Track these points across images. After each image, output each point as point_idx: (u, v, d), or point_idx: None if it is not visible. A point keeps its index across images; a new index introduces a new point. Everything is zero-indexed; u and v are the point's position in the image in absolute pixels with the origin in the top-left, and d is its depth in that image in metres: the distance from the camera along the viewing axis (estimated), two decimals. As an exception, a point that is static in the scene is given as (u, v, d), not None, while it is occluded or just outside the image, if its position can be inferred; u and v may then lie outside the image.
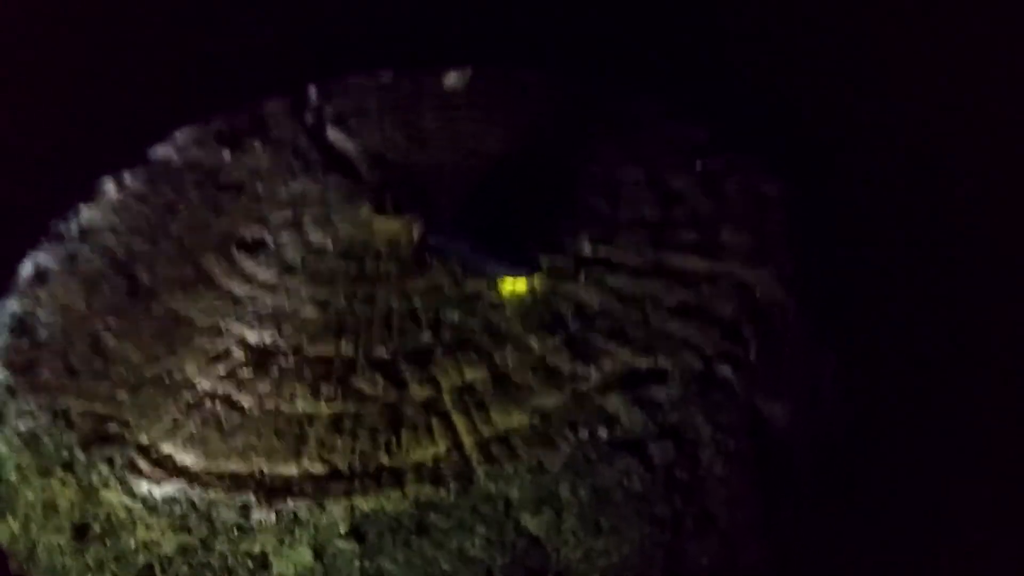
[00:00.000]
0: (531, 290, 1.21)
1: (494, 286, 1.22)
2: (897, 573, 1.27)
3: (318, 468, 1.05)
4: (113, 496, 1.07)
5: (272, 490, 1.03)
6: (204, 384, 1.16)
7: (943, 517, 1.27)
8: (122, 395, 1.17)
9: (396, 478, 1.02)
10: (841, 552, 1.20)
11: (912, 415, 1.32)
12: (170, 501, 1.05)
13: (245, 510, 1.02)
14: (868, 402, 1.22)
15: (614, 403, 1.07)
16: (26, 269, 1.40)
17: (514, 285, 1.21)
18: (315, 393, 1.12)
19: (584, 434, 1.04)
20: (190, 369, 1.18)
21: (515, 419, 1.06)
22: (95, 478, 1.09)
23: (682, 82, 1.72)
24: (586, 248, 1.27)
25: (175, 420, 1.12)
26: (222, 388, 1.15)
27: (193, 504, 1.04)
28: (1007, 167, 1.66)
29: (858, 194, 1.60)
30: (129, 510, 1.06)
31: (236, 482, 1.05)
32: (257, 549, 1.02)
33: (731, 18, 2.10)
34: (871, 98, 1.86)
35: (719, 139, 1.46)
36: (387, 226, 1.33)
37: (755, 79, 1.91)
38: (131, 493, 1.07)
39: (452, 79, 1.65)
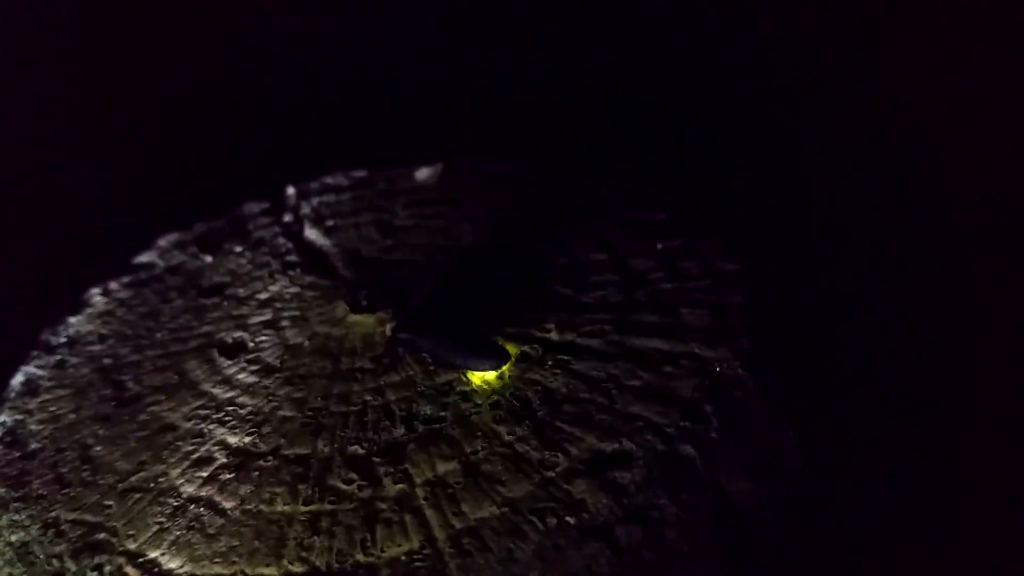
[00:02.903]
0: (500, 379, 1.26)
1: (465, 378, 1.26)
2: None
3: (297, 568, 1.08)
4: (102, 605, 1.11)
5: (254, 592, 1.07)
6: (188, 489, 1.20)
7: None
8: (110, 503, 1.21)
9: (372, 575, 1.06)
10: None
11: (874, 488, 1.35)
12: (156, 607, 1.08)
13: (228, 613, 1.06)
14: (830, 476, 1.25)
15: (581, 488, 1.11)
16: (16, 380, 1.45)
17: (484, 375, 1.26)
18: (294, 493, 1.16)
19: (552, 522, 1.08)
20: (174, 474, 1.23)
21: (486, 510, 1.10)
22: (84, 587, 1.13)
23: (642, 164, 1.78)
24: (553, 334, 1.31)
25: (161, 525, 1.16)
26: (205, 492, 1.19)
27: (178, 609, 1.07)
28: (969, 244, 1.71)
29: (817, 271, 1.65)
30: (117, 618, 1.10)
31: (219, 585, 1.08)
32: (241, 651, 1.05)
33: (687, 102, 2.18)
34: (831, 179, 1.92)
35: (679, 221, 1.51)
36: (361, 323, 1.38)
37: (716, 160, 1.98)
38: (119, 601, 1.10)
39: (423, 174, 1.72)
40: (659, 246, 1.45)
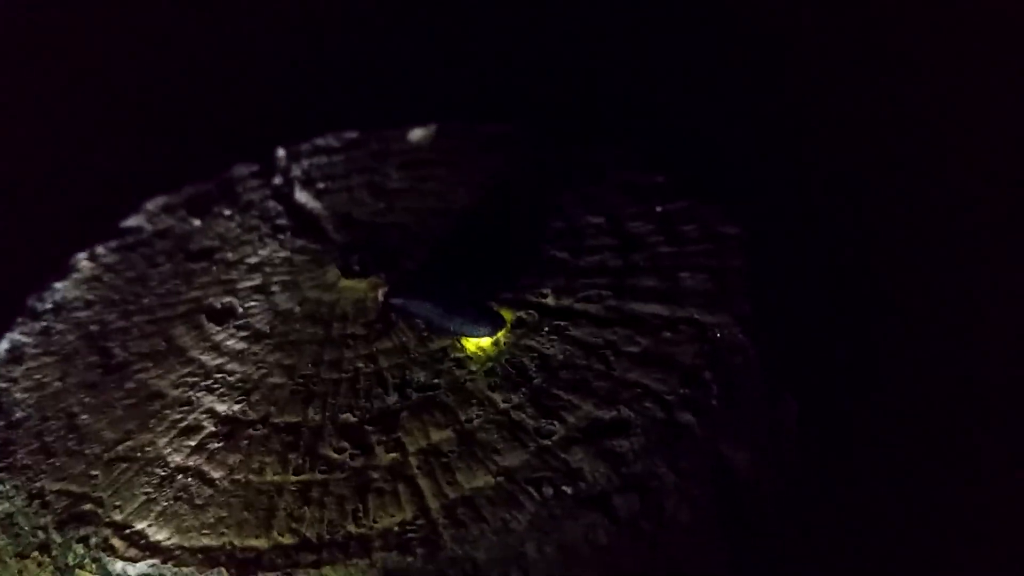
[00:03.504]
0: (495, 346, 1.23)
1: (459, 344, 1.23)
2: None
3: (288, 539, 1.06)
4: (88, 576, 1.09)
5: (243, 563, 1.04)
6: (175, 458, 1.18)
7: (907, 558, 1.28)
8: (96, 473, 1.19)
9: (364, 546, 1.03)
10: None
11: (873, 457, 1.33)
12: (144, 579, 1.06)
13: (217, 585, 1.03)
14: (830, 445, 1.23)
15: (578, 457, 1.08)
16: (1, 347, 1.42)
17: (479, 342, 1.23)
18: (284, 463, 1.14)
19: (548, 491, 1.05)
20: (162, 443, 1.20)
21: (480, 479, 1.08)
22: (71, 558, 1.10)
23: (642, 129, 1.75)
24: (550, 299, 1.28)
25: (148, 496, 1.14)
26: (193, 461, 1.17)
27: (166, 581, 1.05)
28: (972, 210, 1.68)
29: (820, 236, 1.62)
30: (104, 590, 1.08)
31: (208, 557, 1.06)
32: (230, 623, 1.03)
33: (689, 66, 2.14)
34: (833, 142, 1.89)
35: (678, 184, 1.47)
36: (353, 288, 1.35)
37: (715, 124, 1.94)
38: (106, 572, 1.08)
39: (417, 136, 1.68)
40: (658, 209, 1.42)
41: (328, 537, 1.05)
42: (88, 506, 1.14)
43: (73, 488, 1.17)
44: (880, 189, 1.72)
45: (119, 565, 1.07)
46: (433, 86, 2.08)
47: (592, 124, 1.67)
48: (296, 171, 1.64)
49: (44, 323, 1.44)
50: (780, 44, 2.12)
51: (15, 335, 1.42)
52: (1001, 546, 1.29)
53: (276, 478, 1.12)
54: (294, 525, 1.06)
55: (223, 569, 1.04)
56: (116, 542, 1.09)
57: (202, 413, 1.22)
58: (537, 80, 2.10)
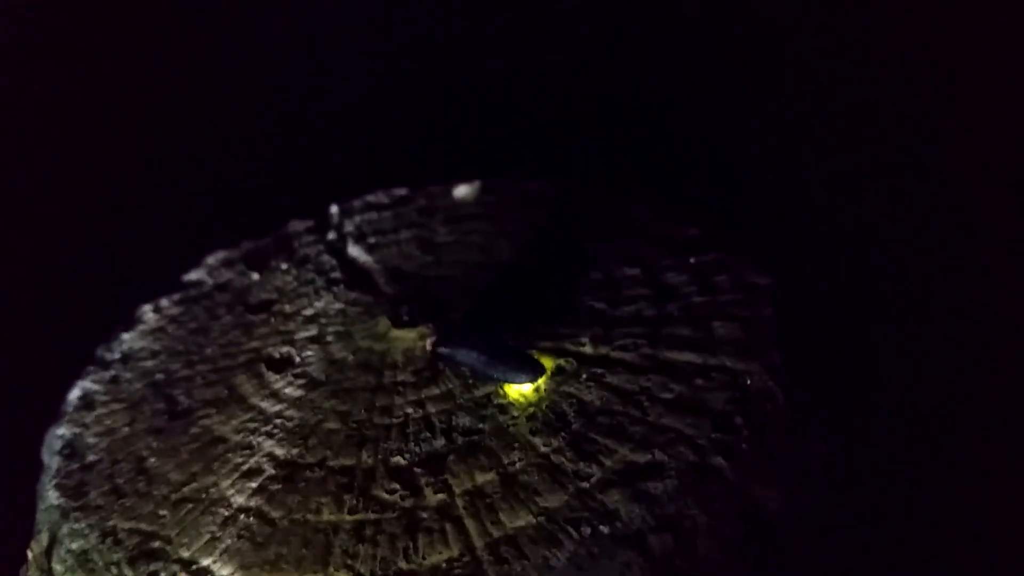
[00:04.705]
0: (536, 392, 1.30)
1: (502, 390, 1.31)
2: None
3: (343, 574, 1.13)
4: (158, 609, 1.17)
5: (301, 597, 1.12)
6: (238, 499, 1.26)
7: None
8: (164, 512, 1.27)
9: (414, 580, 1.10)
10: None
11: (901, 499, 1.37)
12: (209, 612, 1.14)
13: (277, 617, 1.11)
14: (858, 486, 1.28)
15: (614, 498, 1.15)
16: (73, 395, 1.51)
17: (520, 388, 1.30)
18: (339, 503, 1.21)
19: (587, 530, 1.12)
20: (225, 485, 1.28)
21: (522, 519, 1.14)
22: (141, 593, 1.18)
23: (677, 180, 1.82)
24: (587, 348, 1.35)
25: (213, 535, 1.22)
26: (254, 502, 1.25)
27: (230, 614, 1.13)
28: (988, 260, 1.73)
29: (848, 286, 1.68)
30: (172, 622, 1.15)
31: (268, 591, 1.13)
32: (289, 654, 1.10)
33: (722, 120, 2.21)
34: (865, 196, 1.94)
35: (712, 236, 1.54)
36: (403, 338, 1.43)
37: (749, 176, 2.01)
38: (174, 606, 1.16)
39: (462, 192, 1.77)
40: (692, 260, 1.48)
41: (381, 573, 1.12)
42: (157, 543, 1.22)
43: (143, 526, 1.25)
44: (916, 242, 1.78)
45: (187, 599, 1.15)
46: (476, 140, 2.17)
47: (629, 177, 1.75)
48: (349, 227, 1.73)
49: (113, 372, 1.53)
50: (812, 101, 2.19)
51: (86, 383, 1.52)
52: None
53: (332, 517, 1.19)
54: (349, 561, 1.14)
55: (283, 602, 1.11)
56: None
57: (262, 456, 1.30)
58: (575, 134, 2.19)
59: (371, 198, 1.80)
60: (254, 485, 1.27)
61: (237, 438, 1.34)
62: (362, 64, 2.56)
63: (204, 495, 1.27)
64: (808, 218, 1.84)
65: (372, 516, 1.19)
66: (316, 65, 2.60)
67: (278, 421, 1.35)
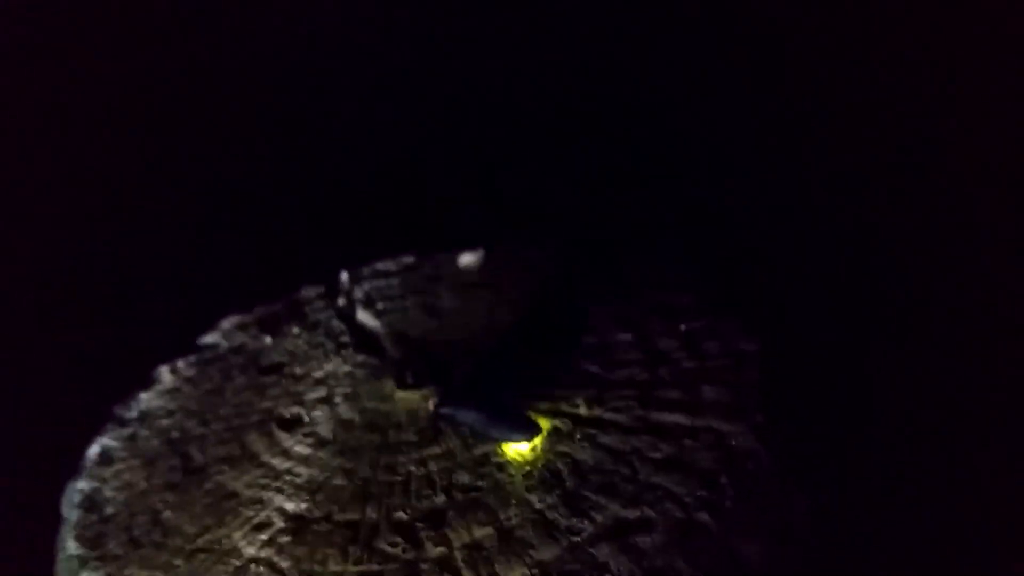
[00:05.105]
0: (533, 451, 1.37)
1: (500, 450, 1.38)
2: None
3: (347, 622, 1.19)
4: (171, 655, 1.23)
5: (307, 644, 1.18)
6: (249, 550, 1.32)
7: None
8: (179, 563, 1.34)
9: (414, 628, 1.17)
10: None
11: (885, 553, 1.43)
12: (220, 657, 1.20)
13: (284, 663, 1.17)
14: (840, 540, 1.34)
15: (604, 552, 1.21)
16: (93, 451, 1.59)
17: (517, 448, 1.37)
18: (344, 555, 1.28)
19: (577, 581, 1.18)
20: (236, 537, 1.35)
21: (517, 571, 1.21)
22: (155, 640, 1.25)
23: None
24: (582, 409, 1.43)
25: (224, 584, 1.28)
26: (264, 553, 1.31)
27: (239, 659, 1.19)
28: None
29: (831, 350, 1.75)
30: (185, 667, 1.22)
31: (276, 638, 1.20)
32: None
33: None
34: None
35: (703, 303, 1.62)
36: (407, 399, 1.51)
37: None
38: (186, 652, 1.22)
39: (466, 260, 1.85)
40: (682, 327, 1.56)
41: (382, 621, 1.18)
42: (171, 593, 1.29)
43: (158, 575, 1.32)
44: (904, 307, 1.83)
45: (199, 645, 1.21)
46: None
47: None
48: (358, 293, 1.81)
49: (131, 429, 1.61)
50: (802, 158, 2.24)
51: (105, 440, 1.59)
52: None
53: (338, 568, 1.26)
54: (353, 610, 1.20)
55: (290, 648, 1.17)
56: (196, 624, 1.24)
57: (273, 511, 1.37)
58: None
59: (380, 266, 1.89)
60: (264, 537, 1.33)
61: (249, 493, 1.42)
62: (360, 131, 2.65)
63: (217, 546, 1.34)
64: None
65: (376, 567, 1.25)
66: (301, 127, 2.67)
67: (288, 477, 1.42)
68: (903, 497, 1.46)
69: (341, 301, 1.80)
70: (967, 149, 2.01)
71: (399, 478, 1.38)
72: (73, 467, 1.59)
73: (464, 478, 1.35)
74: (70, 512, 1.49)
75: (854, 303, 1.79)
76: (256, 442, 1.51)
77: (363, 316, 1.75)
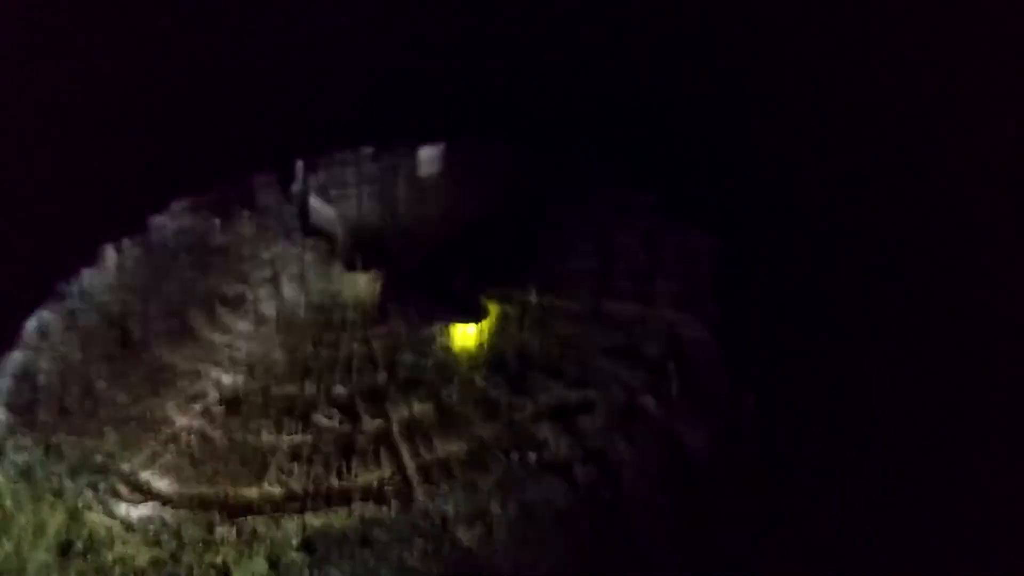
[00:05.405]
0: (480, 334, 1.33)
1: (445, 331, 1.34)
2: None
3: (276, 491, 1.16)
4: (95, 517, 1.20)
5: (234, 509, 1.15)
6: (181, 420, 1.29)
7: (850, 538, 1.35)
8: (108, 431, 1.30)
9: (344, 498, 1.14)
10: (757, 569, 1.29)
11: (829, 452, 1.41)
12: (145, 520, 1.17)
13: (210, 526, 1.14)
14: (785, 434, 1.32)
15: (544, 431, 1.18)
16: (31, 325, 1.54)
17: (463, 330, 1.34)
18: (278, 427, 1.25)
19: (515, 457, 1.15)
20: (170, 408, 1.31)
21: (455, 446, 1.18)
22: (80, 502, 1.21)
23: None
24: (532, 296, 1.39)
25: (154, 451, 1.25)
26: (197, 423, 1.28)
27: (165, 522, 1.16)
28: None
29: (787, 250, 1.72)
30: (109, 529, 1.18)
31: (203, 503, 1.16)
32: (220, 560, 1.13)
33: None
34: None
35: (665, 201, 1.59)
36: (354, 281, 1.47)
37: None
38: (111, 514, 1.19)
39: (426, 153, 1.80)
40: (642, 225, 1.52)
41: (313, 490, 1.15)
42: (99, 458, 1.25)
43: (87, 443, 1.28)
44: (852, 207, 1.81)
45: (123, 507, 1.18)
46: (443, 100, 2.19)
47: (588, 143, 1.79)
48: (313, 181, 1.76)
49: (70, 304, 1.56)
50: (779, 51, 2.21)
51: (44, 313, 1.55)
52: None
53: (270, 439, 1.23)
54: (283, 478, 1.17)
55: (216, 512, 1.14)
56: (122, 488, 1.20)
57: (209, 383, 1.33)
58: (542, 98, 2.21)
59: (338, 155, 1.83)
60: (198, 408, 1.30)
61: (186, 366, 1.38)
62: (338, 37, 2.59)
63: (149, 415, 1.31)
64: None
65: (309, 439, 1.22)
66: (294, 33, 2.62)
67: (227, 351, 1.38)
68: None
69: (295, 187, 1.75)
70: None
71: (341, 356, 1.34)
72: (11, 339, 1.54)
73: (407, 357, 1.32)
74: (2, 382, 1.45)
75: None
76: (197, 318, 1.47)
77: (315, 202, 1.70)
